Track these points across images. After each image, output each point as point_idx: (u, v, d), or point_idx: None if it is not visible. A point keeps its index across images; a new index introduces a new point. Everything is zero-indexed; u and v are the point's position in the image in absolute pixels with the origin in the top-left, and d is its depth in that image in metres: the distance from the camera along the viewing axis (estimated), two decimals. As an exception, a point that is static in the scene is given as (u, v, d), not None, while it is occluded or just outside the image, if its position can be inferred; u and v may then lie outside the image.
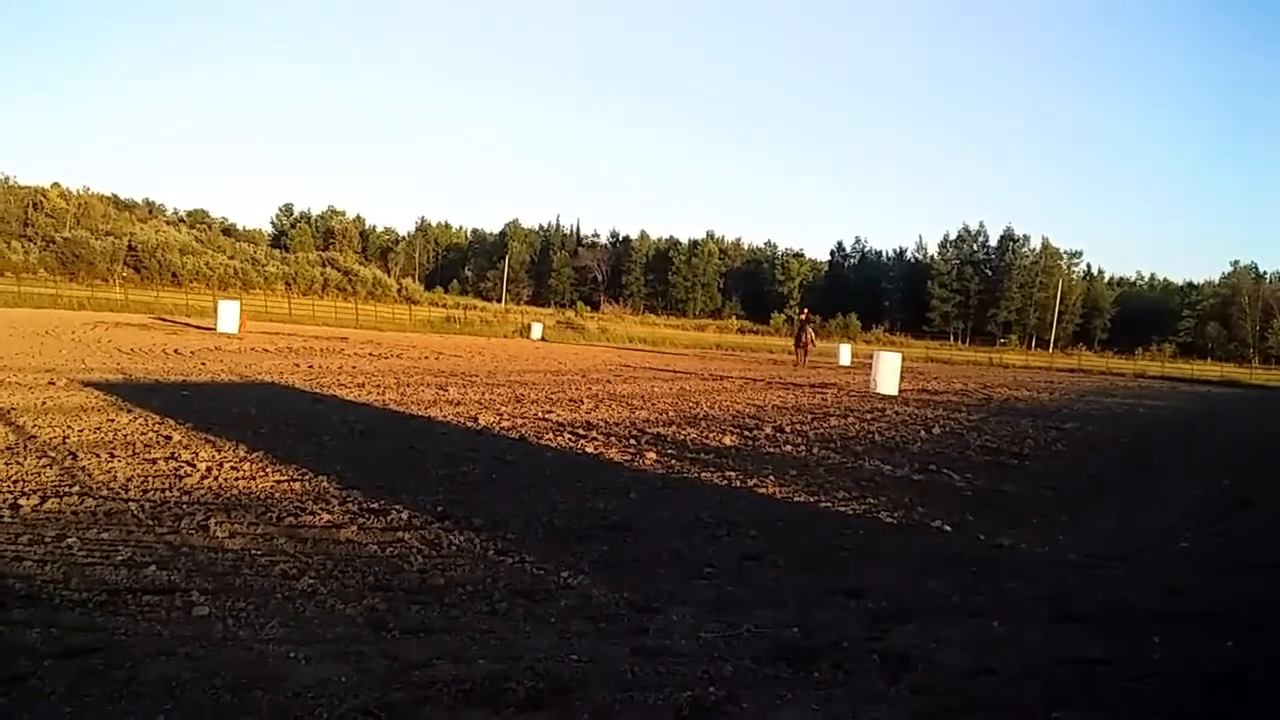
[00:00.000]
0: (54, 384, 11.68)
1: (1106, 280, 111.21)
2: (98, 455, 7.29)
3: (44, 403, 9.94)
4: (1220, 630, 4.71)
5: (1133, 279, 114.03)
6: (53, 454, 7.23)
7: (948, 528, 6.90)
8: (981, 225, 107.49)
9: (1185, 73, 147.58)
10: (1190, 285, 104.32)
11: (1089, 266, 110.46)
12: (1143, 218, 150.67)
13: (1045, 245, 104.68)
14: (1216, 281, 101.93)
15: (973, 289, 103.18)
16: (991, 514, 7.53)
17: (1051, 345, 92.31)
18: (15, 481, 6.22)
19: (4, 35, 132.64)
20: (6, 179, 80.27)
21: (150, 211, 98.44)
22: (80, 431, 8.33)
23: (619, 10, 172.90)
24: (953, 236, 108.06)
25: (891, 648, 4.06)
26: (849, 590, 5.01)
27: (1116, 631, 4.58)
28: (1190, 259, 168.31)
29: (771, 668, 3.77)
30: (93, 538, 5.05)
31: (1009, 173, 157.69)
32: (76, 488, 6.16)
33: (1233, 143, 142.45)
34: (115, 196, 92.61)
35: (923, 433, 13.18)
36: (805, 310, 38.09)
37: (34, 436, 7.93)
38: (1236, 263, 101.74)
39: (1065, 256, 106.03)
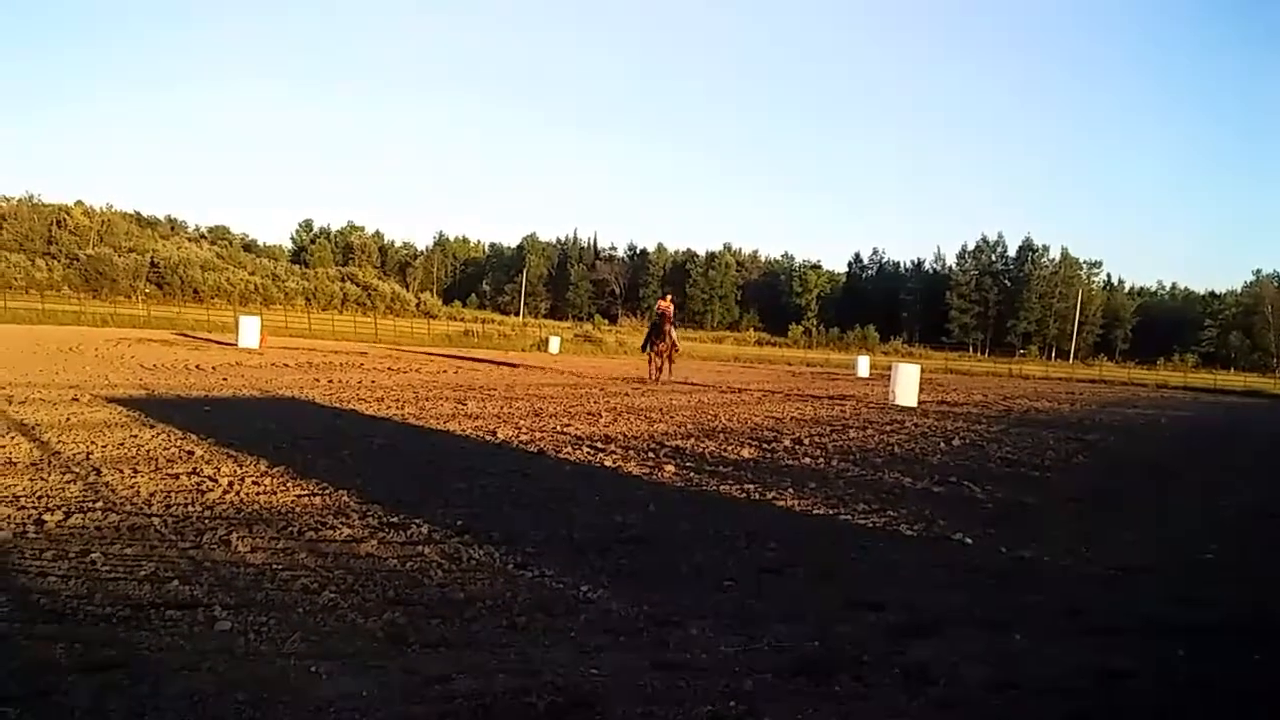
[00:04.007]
0: (78, 400, 11.79)
1: (1127, 290, 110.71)
2: (121, 471, 7.34)
3: (68, 419, 10.03)
4: (1247, 643, 4.66)
5: (1153, 289, 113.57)
6: (77, 469, 7.29)
7: (969, 540, 6.85)
8: (1000, 236, 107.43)
9: (1206, 80, 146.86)
10: (1212, 295, 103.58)
11: (1109, 276, 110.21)
12: (1163, 227, 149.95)
13: (1065, 255, 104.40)
14: (1239, 291, 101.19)
15: (992, 300, 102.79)
16: (1013, 526, 7.47)
17: (1072, 356, 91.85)
18: (40, 497, 6.26)
19: (28, 56, 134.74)
20: (31, 197, 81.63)
21: (172, 228, 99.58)
22: (104, 447, 8.40)
23: (632, 25, 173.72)
24: (971, 247, 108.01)
25: (913, 661, 4.04)
26: (869, 603, 4.98)
27: (1141, 644, 4.54)
28: (1212, 268, 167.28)
29: (792, 682, 3.76)
30: (116, 553, 5.08)
31: (1027, 183, 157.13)
32: (100, 503, 6.21)
33: (1255, 151, 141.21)
34: (138, 214, 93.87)
35: (943, 445, 13.11)
36: (667, 295, 27.43)
37: (58, 452, 8.00)
38: (1259, 271, 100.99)
39: (1085, 266, 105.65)
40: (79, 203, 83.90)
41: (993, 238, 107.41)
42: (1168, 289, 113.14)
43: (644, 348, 25.71)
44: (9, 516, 5.67)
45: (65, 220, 79.02)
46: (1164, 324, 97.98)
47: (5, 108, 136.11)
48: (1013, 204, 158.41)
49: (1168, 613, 5.21)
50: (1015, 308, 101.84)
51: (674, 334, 24.44)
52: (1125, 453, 14.32)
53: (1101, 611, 5.13)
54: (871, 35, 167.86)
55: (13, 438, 8.54)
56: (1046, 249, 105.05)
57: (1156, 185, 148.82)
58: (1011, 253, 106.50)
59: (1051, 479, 10.47)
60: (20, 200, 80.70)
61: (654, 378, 24.27)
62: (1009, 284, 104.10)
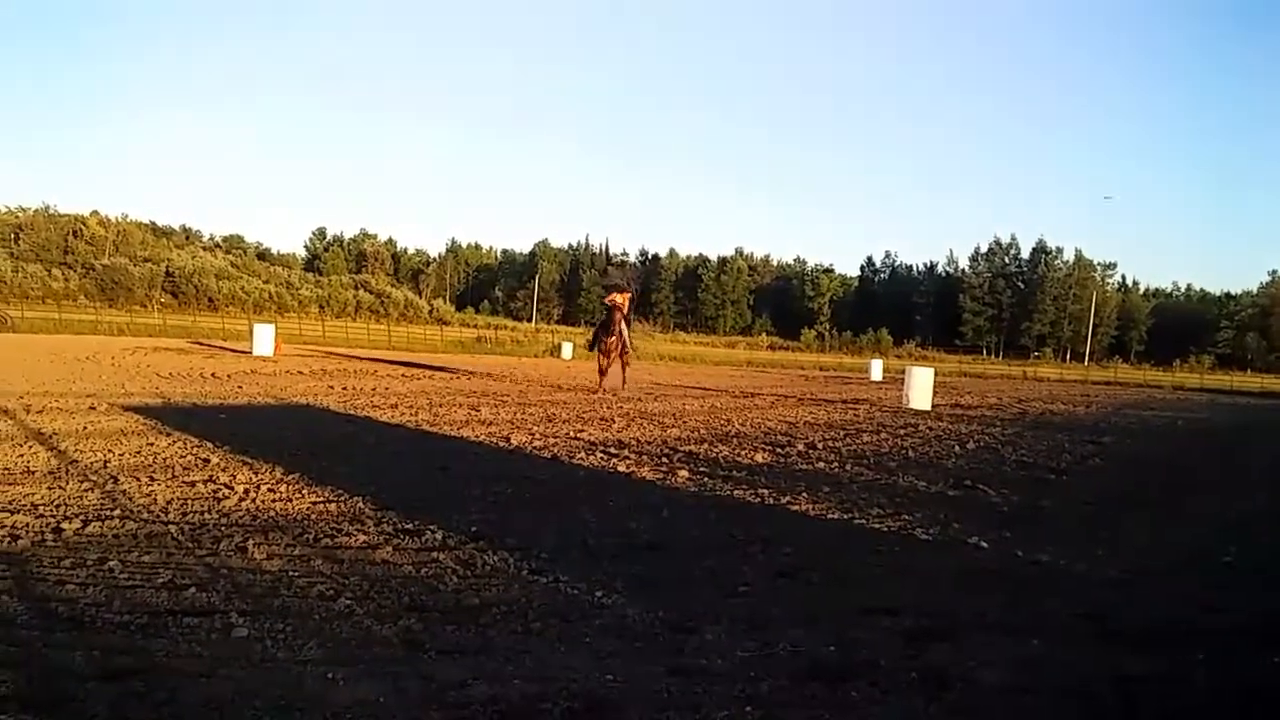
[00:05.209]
0: (95, 409, 11.88)
1: (1142, 291, 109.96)
2: (138, 479, 7.39)
3: (85, 427, 10.10)
4: (1264, 646, 4.62)
5: (1169, 290, 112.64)
6: (94, 478, 7.34)
7: (984, 544, 6.83)
8: (1013, 238, 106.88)
9: (1220, 80, 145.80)
10: (1228, 296, 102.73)
11: (1123, 278, 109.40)
12: (1178, 228, 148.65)
13: (1079, 257, 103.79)
14: (1255, 291, 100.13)
15: (1005, 302, 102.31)
16: (1028, 530, 7.44)
17: (1087, 358, 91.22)
18: (58, 505, 6.31)
19: (44, 69, 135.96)
20: (47, 208, 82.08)
21: (187, 238, 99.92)
22: (121, 455, 8.46)
23: (642, 30, 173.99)
24: (984, 249, 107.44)
25: (929, 666, 4.02)
26: (885, 608, 4.96)
27: (1157, 648, 4.50)
28: (1228, 269, 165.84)
29: (808, 687, 3.75)
30: (134, 560, 5.11)
31: (1041, 185, 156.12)
32: (118, 511, 6.25)
33: (1271, 151, 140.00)
34: (153, 223, 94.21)
35: (957, 448, 13.07)
36: (619, 294, 21.18)
37: (76, 461, 8.06)
38: (1275, 272, 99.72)
39: (1099, 268, 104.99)
40: (95, 213, 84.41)
41: (1005, 240, 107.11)
42: (1183, 290, 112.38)
43: (591, 347, 21.84)
44: (28, 524, 5.72)
45: (81, 230, 79.55)
46: (1179, 325, 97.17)
47: (21, 119, 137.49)
48: (1026, 206, 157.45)
49: (1185, 616, 5.18)
50: (1029, 310, 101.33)
51: (627, 332, 20.85)
52: (1141, 455, 14.24)
53: (1118, 615, 5.10)
54: (882, 37, 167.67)
55: (31, 446, 8.61)
56: (1060, 251, 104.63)
57: (1171, 186, 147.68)
58: (1025, 255, 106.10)
59: (1067, 482, 10.42)
60: (37, 211, 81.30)
61: (600, 386, 20.77)
62: (1022, 286, 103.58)
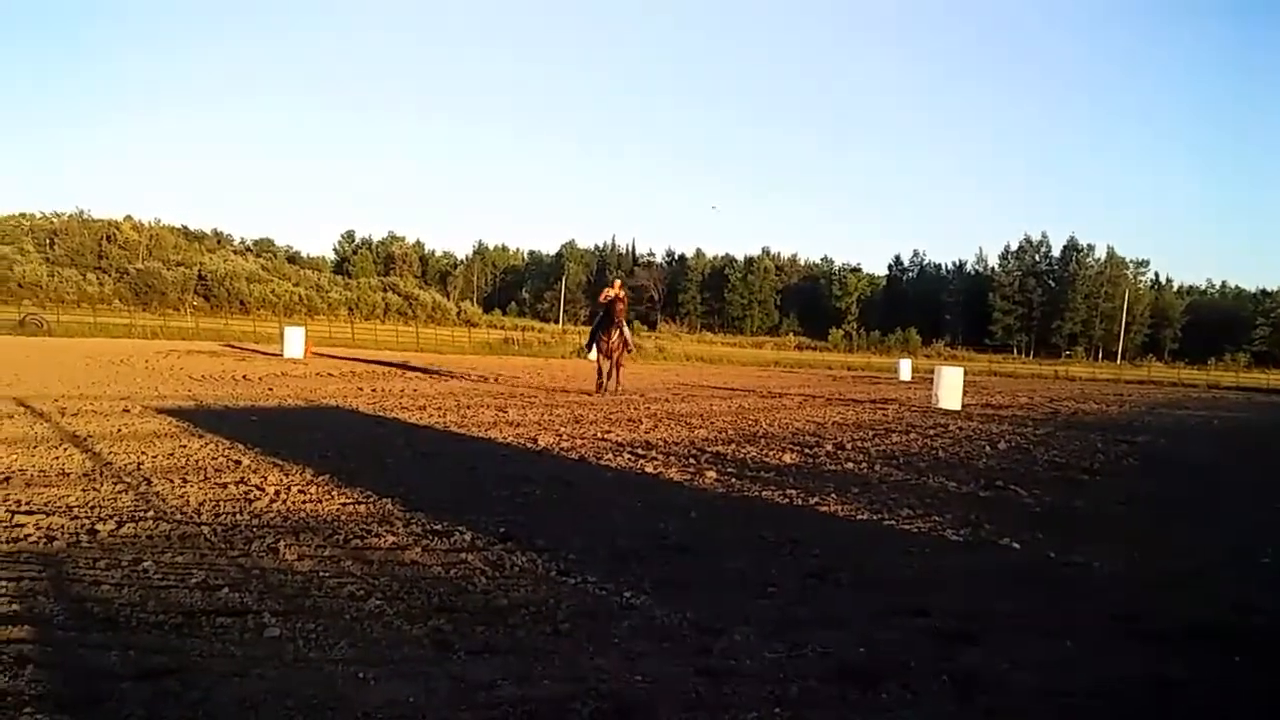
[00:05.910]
0: (129, 411, 12.01)
1: (1175, 289, 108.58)
2: (171, 480, 7.46)
3: (119, 430, 10.22)
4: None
5: (1203, 287, 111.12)
6: (128, 479, 7.42)
7: (1016, 545, 6.75)
8: (1044, 235, 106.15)
9: (1251, 74, 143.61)
10: (1264, 292, 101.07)
11: (1156, 275, 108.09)
12: (1212, 224, 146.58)
13: (1110, 254, 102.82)
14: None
15: (1036, 301, 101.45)
16: (1061, 531, 7.34)
17: (1119, 357, 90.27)
18: (93, 507, 6.38)
19: (78, 76, 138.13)
20: (81, 213, 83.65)
21: (218, 242, 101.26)
22: (154, 457, 8.54)
23: (666, 29, 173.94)
24: (1014, 247, 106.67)
25: (961, 668, 3.99)
26: (915, 609, 4.92)
27: (1194, 651, 4.44)
28: (1263, 265, 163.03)
29: (838, 689, 3.72)
30: (168, 561, 5.16)
31: (1071, 181, 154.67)
32: (151, 512, 6.32)
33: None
34: (185, 228, 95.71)
35: (988, 448, 12.95)
36: (616, 281, 21.01)
37: (110, 463, 8.15)
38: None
39: (1131, 265, 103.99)
40: (128, 218, 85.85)
41: (1036, 238, 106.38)
42: (1217, 287, 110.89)
43: (589, 346, 20.02)
44: (63, 526, 5.79)
45: (115, 235, 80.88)
46: (1214, 323, 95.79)
47: (55, 125, 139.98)
48: (1056, 203, 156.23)
49: (1224, 619, 5.09)
50: (1060, 308, 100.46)
51: (627, 330, 19.53)
52: (1176, 455, 14.03)
53: (1155, 617, 5.02)
54: (911, 35, 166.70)
55: (66, 449, 8.73)
56: (1091, 248, 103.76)
57: (1204, 181, 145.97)
58: (1055, 253, 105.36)
59: (1100, 482, 10.28)
60: (71, 216, 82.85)
61: (602, 386, 19.61)
62: (1053, 284, 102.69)
